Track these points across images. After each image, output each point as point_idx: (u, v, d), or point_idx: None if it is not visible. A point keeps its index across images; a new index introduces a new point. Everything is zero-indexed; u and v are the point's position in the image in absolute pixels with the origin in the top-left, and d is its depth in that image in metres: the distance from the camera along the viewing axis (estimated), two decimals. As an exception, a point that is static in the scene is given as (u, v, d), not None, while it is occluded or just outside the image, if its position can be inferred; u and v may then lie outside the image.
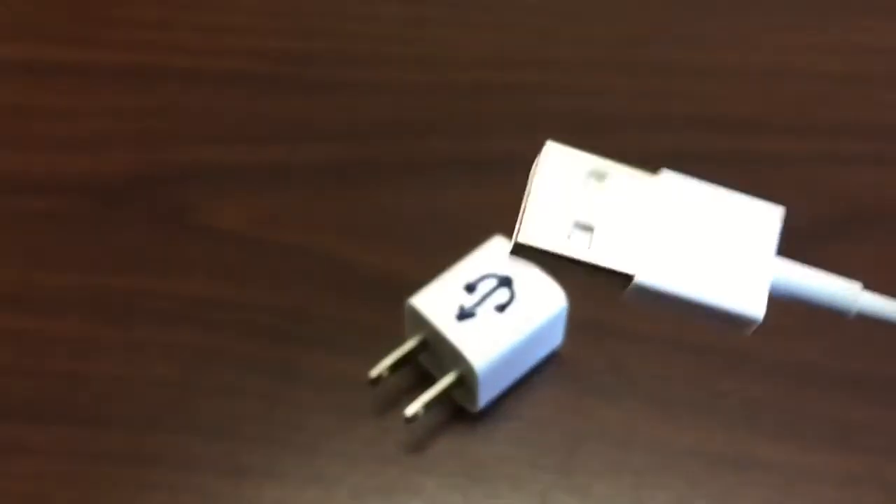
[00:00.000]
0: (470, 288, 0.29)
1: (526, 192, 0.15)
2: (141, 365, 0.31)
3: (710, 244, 0.14)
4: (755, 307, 0.14)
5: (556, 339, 0.31)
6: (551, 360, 0.31)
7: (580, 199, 0.14)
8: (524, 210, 0.15)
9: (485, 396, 0.30)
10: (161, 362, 0.32)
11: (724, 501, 0.29)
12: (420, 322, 0.29)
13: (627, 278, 0.14)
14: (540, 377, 0.31)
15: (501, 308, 0.29)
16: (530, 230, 0.14)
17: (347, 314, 0.32)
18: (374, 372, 0.30)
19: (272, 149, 0.37)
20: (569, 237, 0.14)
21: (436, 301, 0.29)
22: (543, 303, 0.29)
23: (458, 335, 0.29)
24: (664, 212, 0.14)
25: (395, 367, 0.30)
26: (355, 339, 0.32)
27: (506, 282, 0.29)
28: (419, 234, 0.34)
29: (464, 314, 0.29)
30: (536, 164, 0.15)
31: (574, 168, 0.14)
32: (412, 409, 0.29)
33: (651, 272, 0.14)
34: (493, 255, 0.30)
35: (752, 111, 0.38)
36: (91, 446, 0.30)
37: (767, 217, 0.15)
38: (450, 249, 0.31)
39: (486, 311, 0.29)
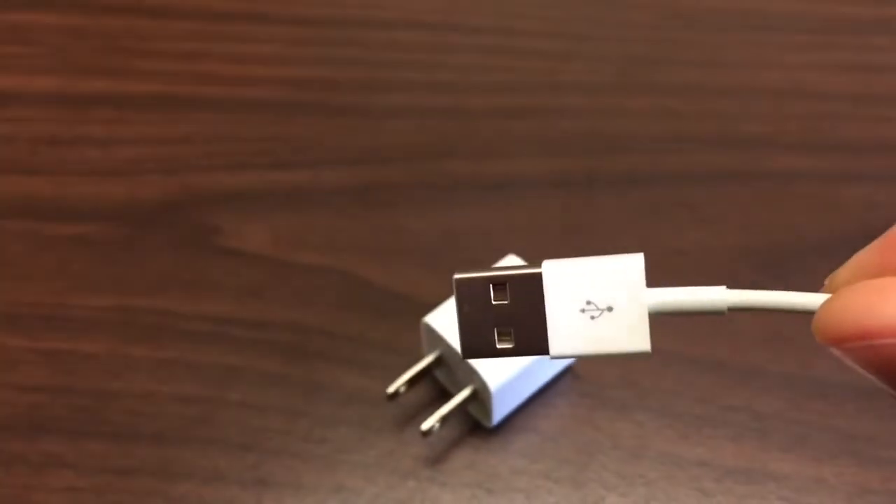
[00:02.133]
0: (483, 305, 0.30)
1: (457, 316, 0.19)
2: (169, 382, 0.33)
3: (596, 307, 0.18)
4: (641, 345, 0.18)
5: (568, 354, 0.32)
6: (564, 374, 0.32)
7: (494, 309, 0.19)
8: (458, 330, 0.19)
9: (499, 412, 0.31)
10: (188, 379, 0.33)
11: (733, 512, 0.30)
12: (436, 339, 0.30)
13: (546, 353, 0.19)
14: (553, 391, 0.32)
15: (513, 325, 0.30)
16: (470, 346, 0.19)
17: (367, 332, 0.33)
18: (392, 388, 0.30)
19: (295, 173, 0.38)
20: (496, 342, 0.19)
21: (450, 319, 0.30)
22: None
23: (473, 352, 0.29)
24: (554, 296, 0.18)
25: (412, 383, 0.31)
26: (374, 355, 0.33)
27: (518, 299, 0.30)
28: (436, 254, 0.35)
29: (477, 331, 0.30)
30: (455, 294, 0.19)
31: (482, 287, 0.19)
32: (428, 423, 0.30)
33: (559, 346, 0.18)
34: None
35: (763, 129, 0.39)
36: (122, 460, 0.31)
37: (632, 264, 0.18)
38: (465, 268, 0.32)
39: (498, 328, 0.30)
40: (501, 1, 0.44)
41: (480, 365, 0.29)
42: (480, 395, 0.30)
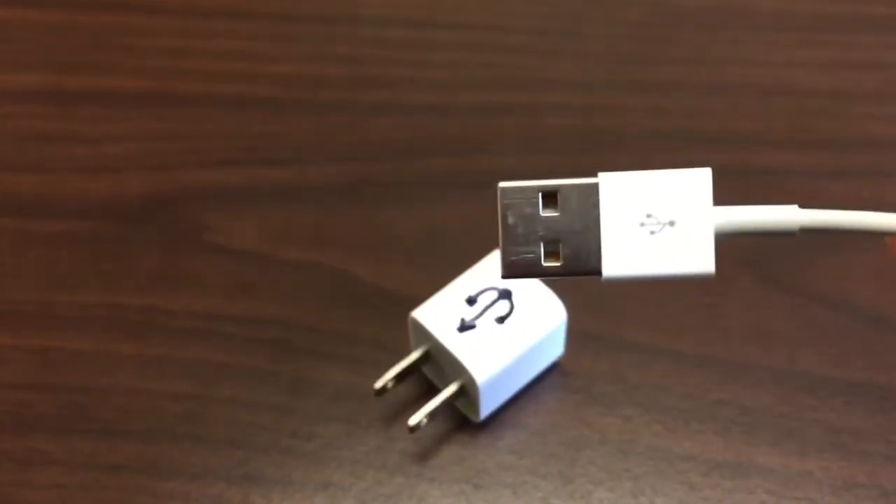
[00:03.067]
0: (471, 301, 0.30)
1: (499, 228, 0.17)
2: (157, 379, 0.33)
3: (657, 221, 0.17)
4: (705, 264, 0.16)
5: (556, 350, 0.32)
6: (552, 369, 0.32)
7: (542, 221, 0.17)
8: (501, 244, 0.17)
9: (487, 407, 0.31)
10: (176, 376, 0.33)
11: (720, 506, 0.30)
12: (423, 334, 0.30)
13: (598, 273, 0.17)
14: (541, 387, 0.32)
15: (501, 320, 0.30)
16: (512, 264, 0.17)
17: (355, 328, 0.33)
18: (379, 383, 0.30)
19: (282, 170, 0.38)
20: (542, 259, 0.17)
21: (437, 314, 0.30)
22: (543, 316, 0.30)
23: (460, 347, 0.30)
24: (611, 208, 0.17)
25: (399, 379, 0.31)
26: (362, 351, 0.33)
27: (505, 294, 0.30)
28: (423, 250, 0.35)
29: (464, 326, 0.30)
30: (499, 204, 0.17)
31: (529, 197, 0.17)
32: (415, 418, 0.30)
33: (613, 265, 0.16)
34: (493, 268, 0.31)
35: (749, 127, 0.39)
36: (109, 457, 0.31)
37: (699, 178, 0.17)
38: (452, 264, 0.32)
39: (486, 323, 0.30)
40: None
41: (467, 359, 0.29)
42: (468, 390, 0.30)
